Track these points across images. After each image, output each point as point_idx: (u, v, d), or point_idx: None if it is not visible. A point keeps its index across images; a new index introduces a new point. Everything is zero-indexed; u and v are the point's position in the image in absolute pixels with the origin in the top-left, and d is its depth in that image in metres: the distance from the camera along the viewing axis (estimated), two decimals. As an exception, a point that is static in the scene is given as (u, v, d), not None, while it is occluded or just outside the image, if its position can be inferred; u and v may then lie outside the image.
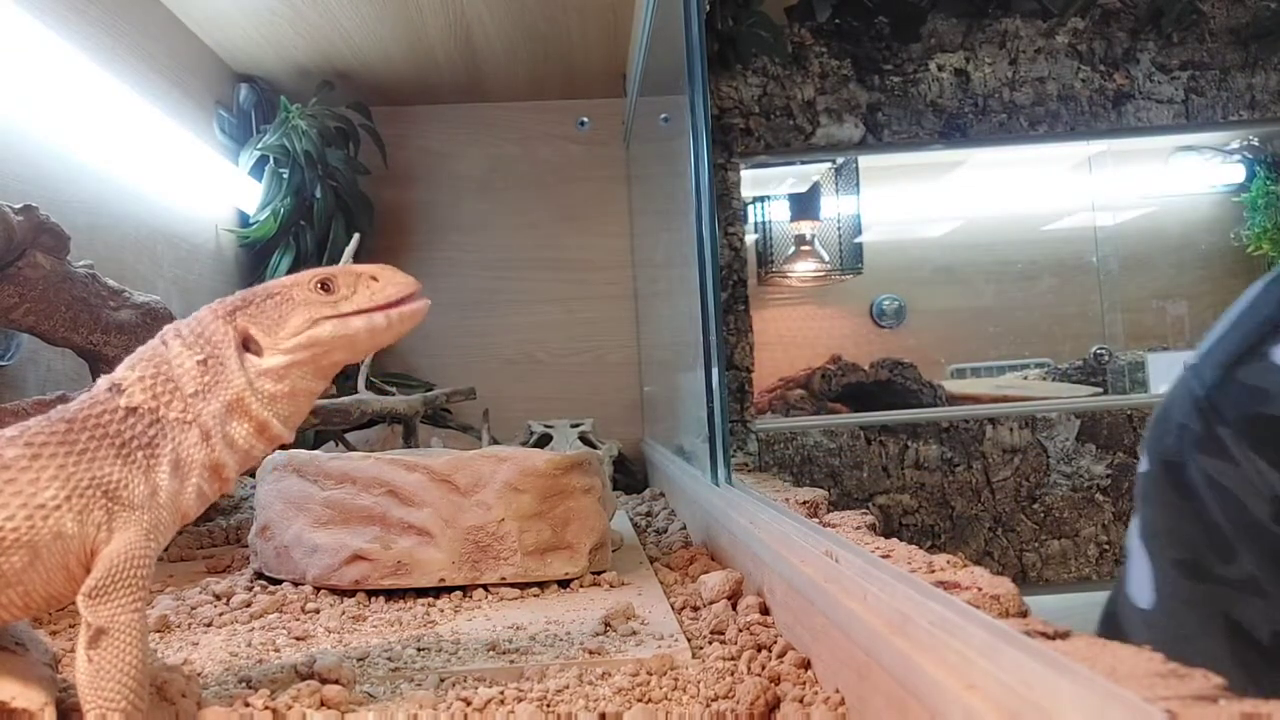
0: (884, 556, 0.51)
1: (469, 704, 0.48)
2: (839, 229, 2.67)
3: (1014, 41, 1.88)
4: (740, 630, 0.61)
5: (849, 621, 0.44)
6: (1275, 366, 0.56)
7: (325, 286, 0.50)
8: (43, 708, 0.43)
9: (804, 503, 0.81)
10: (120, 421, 0.45)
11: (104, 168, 1.26)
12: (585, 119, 1.98)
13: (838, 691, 0.46)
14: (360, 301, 0.50)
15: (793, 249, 2.70)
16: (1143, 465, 0.61)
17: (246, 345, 0.49)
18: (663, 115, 1.37)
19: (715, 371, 0.98)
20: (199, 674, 0.54)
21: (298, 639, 0.64)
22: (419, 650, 0.59)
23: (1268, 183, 2.23)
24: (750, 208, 2.64)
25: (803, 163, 2.37)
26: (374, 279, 0.51)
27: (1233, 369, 0.58)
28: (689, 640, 0.60)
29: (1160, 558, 0.59)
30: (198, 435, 0.47)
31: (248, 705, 0.48)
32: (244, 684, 0.52)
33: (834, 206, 2.67)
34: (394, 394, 1.42)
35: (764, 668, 0.53)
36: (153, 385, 0.47)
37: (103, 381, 0.47)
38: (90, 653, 0.41)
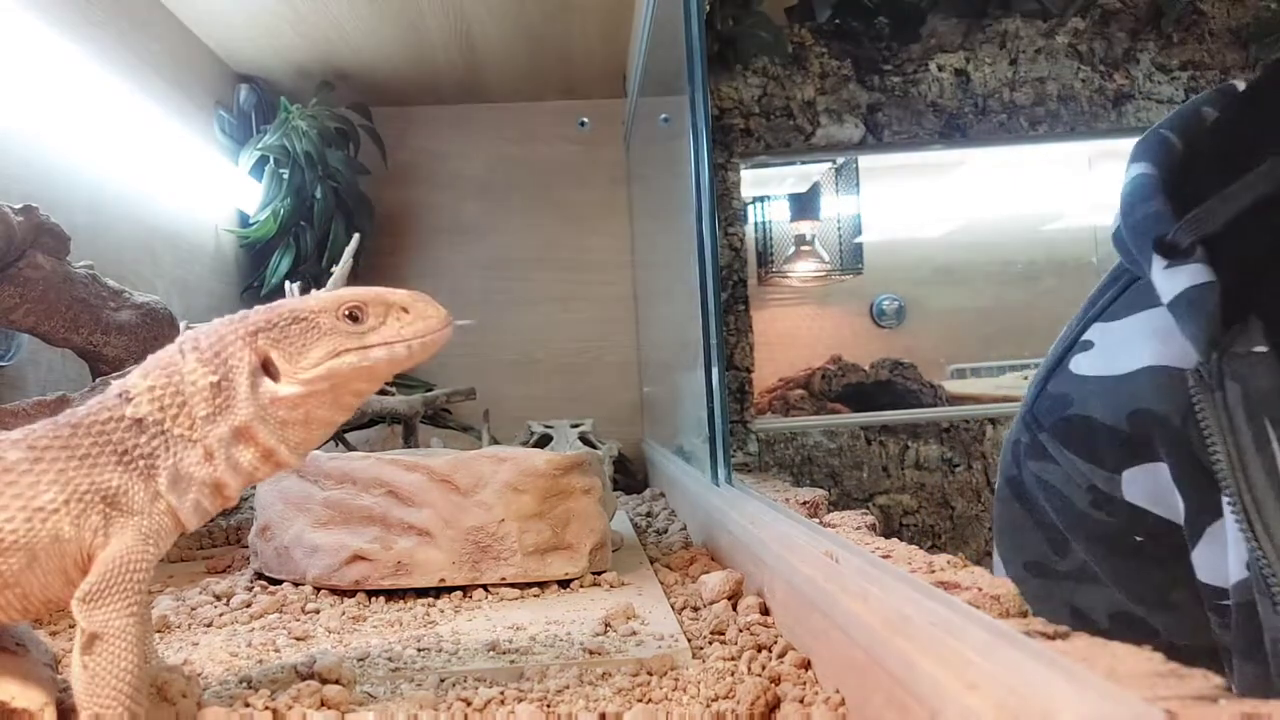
0: (884, 557, 0.51)
1: (469, 704, 0.48)
2: (839, 229, 2.67)
3: (1014, 42, 1.88)
4: (740, 630, 0.61)
5: (849, 622, 0.44)
6: (1072, 375, 0.65)
7: (354, 316, 0.48)
8: (43, 708, 0.43)
9: (804, 503, 0.81)
10: (124, 430, 0.45)
11: (104, 168, 1.26)
12: (585, 119, 1.98)
13: (838, 692, 0.46)
14: (387, 334, 0.49)
15: (793, 249, 2.69)
16: (998, 488, 0.71)
17: (266, 367, 0.48)
18: (663, 115, 1.37)
19: (715, 371, 0.98)
20: (199, 674, 0.54)
21: (298, 639, 0.64)
22: (419, 650, 0.59)
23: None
24: (750, 208, 2.64)
25: (803, 163, 2.36)
26: (405, 310, 0.49)
27: (1044, 383, 0.67)
28: (689, 640, 0.60)
29: (1014, 564, 0.68)
30: (201, 454, 0.46)
31: (248, 705, 0.48)
32: (244, 684, 0.52)
33: (834, 206, 2.67)
34: (394, 394, 1.42)
35: (764, 668, 0.53)
36: (161, 397, 0.46)
37: (114, 386, 0.47)
38: (85, 658, 0.41)
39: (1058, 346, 0.68)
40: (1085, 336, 0.66)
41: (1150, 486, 0.60)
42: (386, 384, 1.56)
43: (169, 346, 0.48)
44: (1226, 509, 0.53)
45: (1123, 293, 0.65)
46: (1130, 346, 0.61)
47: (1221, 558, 0.54)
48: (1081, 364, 0.65)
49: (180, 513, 0.46)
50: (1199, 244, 0.55)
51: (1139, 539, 0.60)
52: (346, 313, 0.48)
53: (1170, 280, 0.56)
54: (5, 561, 0.41)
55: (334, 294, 0.49)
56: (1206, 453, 0.54)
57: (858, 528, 0.67)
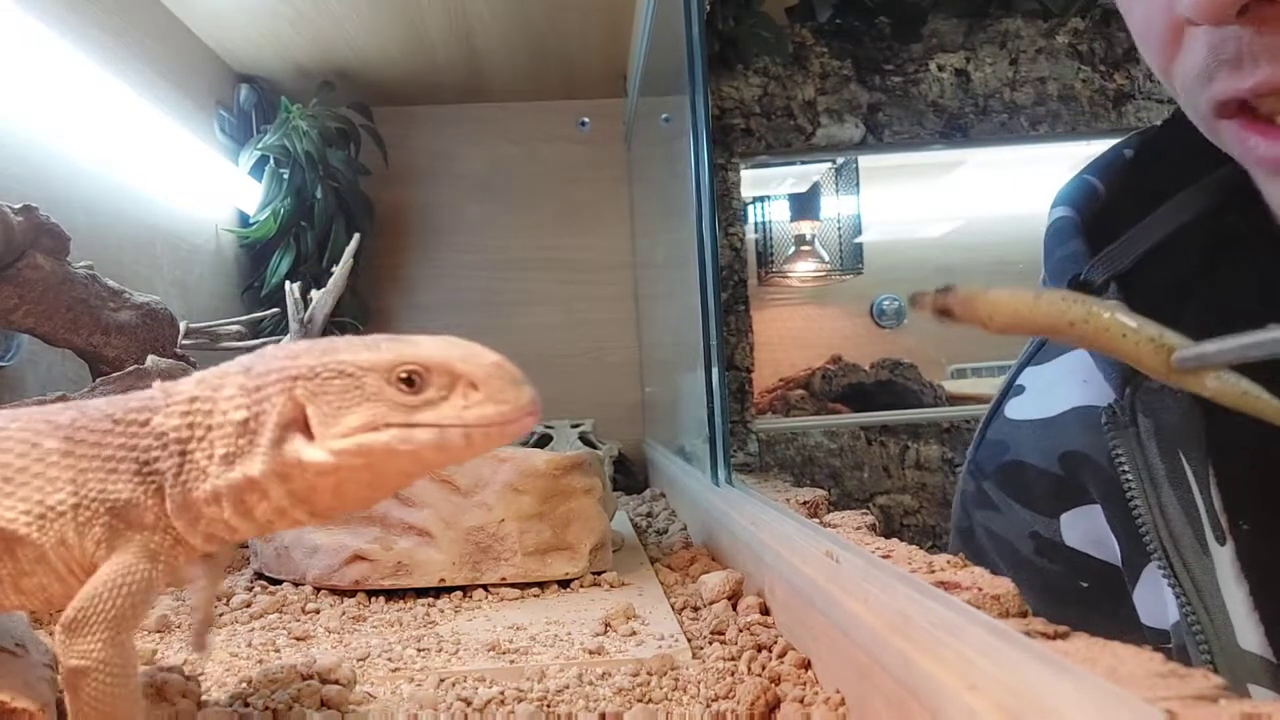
0: (884, 557, 0.51)
1: (469, 704, 0.48)
2: (839, 229, 2.67)
3: (1014, 42, 1.88)
4: (740, 630, 0.61)
5: (849, 622, 0.44)
6: (1007, 421, 0.65)
7: (410, 381, 0.39)
8: (43, 708, 0.43)
9: (804, 503, 0.81)
10: (150, 438, 0.41)
11: (104, 168, 1.26)
12: (585, 119, 1.98)
13: (838, 692, 0.46)
14: (444, 413, 0.39)
15: (793, 249, 2.70)
16: (950, 541, 0.70)
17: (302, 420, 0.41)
18: (663, 115, 1.37)
19: (715, 372, 0.98)
20: (199, 674, 0.54)
21: (298, 639, 0.64)
22: (419, 650, 0.59)
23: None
24: (750, 208, 2.64)
25: (803, 163, 2.36)
26: (474, 387, 0.39)
27: (985, 430, 0.67)
28: (689, 640, 0.60)
29: None
30: (210, 491, 0.40)
31: (247, 705, 0.48)
32: (244, 684, 0.52)
33: (834, 206, 2.67)
34: (394, 394, 1.42)
35: (764, 668, 0.53)
36: (192, 415, 0.41)
37: (169, 387, 0.42)
38: (70, 699, 0.38)
39: (998, 392, 0.68)
40: (1018, 381, 0.66)
41: (1088, 529, 0.59)
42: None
43: (240, 359, 0.42)
44: (1148, 548, 0.52)
45: None
46: (1058, 389, 0.62)
47: (1159, 599, 0.53)
48: (1015, 409, 0.65)
49: (190, 539, 0.41)
50: (1112, 281, 0.56)
51: (1083, 584, 0.60)
52: (402, 376, 0.39)
53: None
54: (20, 551, 0.39)
55: (394, 349, 0.40)
56: (1124, 491, 0.53)
57: (858, 528, 0.66)
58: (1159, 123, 0.63)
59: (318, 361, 0.40)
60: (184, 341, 0.99)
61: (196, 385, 0.41)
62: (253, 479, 0.39)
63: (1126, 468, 0.52)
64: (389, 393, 0.39)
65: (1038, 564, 0.62)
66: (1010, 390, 0.66)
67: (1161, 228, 0.57)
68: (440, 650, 0.59)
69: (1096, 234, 0.59)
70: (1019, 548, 0.63)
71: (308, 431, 0.39)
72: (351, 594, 0.76)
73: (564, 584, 0.79)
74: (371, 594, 0.76)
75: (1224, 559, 0.49)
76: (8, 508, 0.39)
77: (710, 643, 0.60)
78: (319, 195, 1.72)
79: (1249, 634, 0.48)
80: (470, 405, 0.39)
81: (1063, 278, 0.58)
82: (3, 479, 0.39)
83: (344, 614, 0.70)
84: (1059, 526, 0.61)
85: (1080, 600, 0.60)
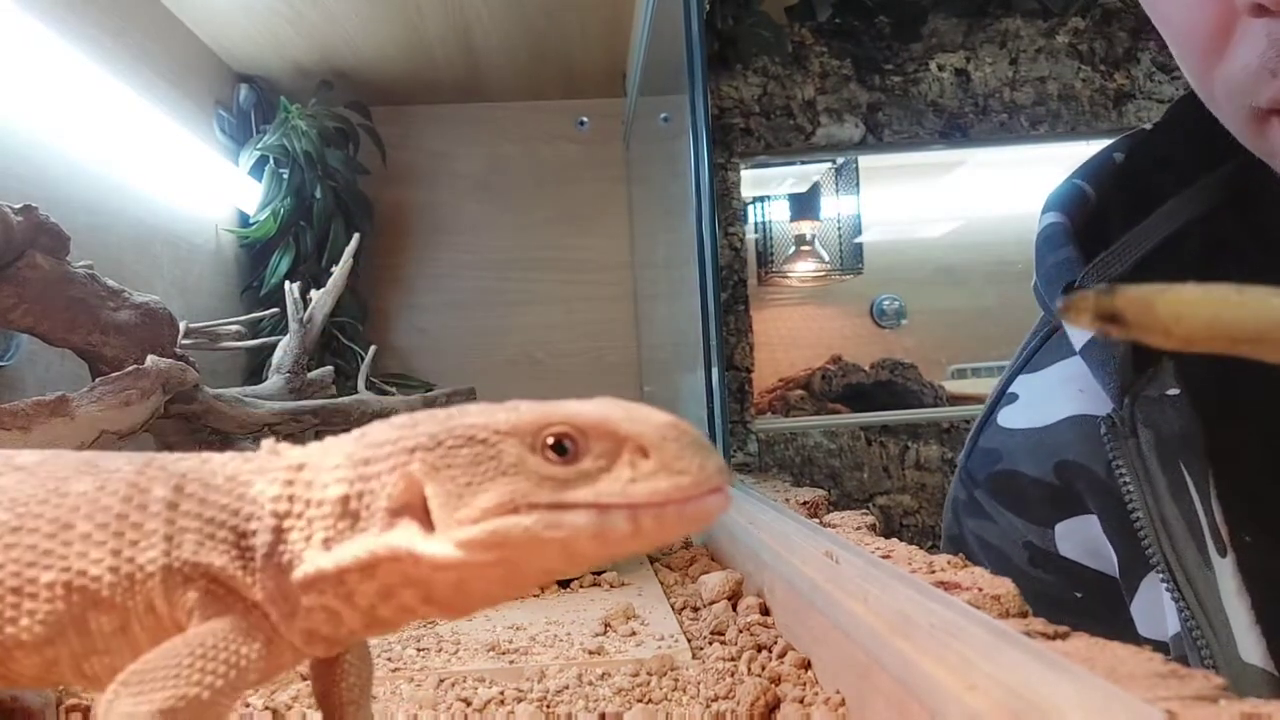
0: (884, 557, 0.51)
1: (469, 704, 0.48)
2: (839, 229, 2.67)
3: (1014, 41, 1.88)
4: (740, 631, 0.61)
5: (849, 622, 0.44)
6: (1000, 429, 0.64)
7: (561, 447, 0.31)
8: (43, 708, 0.43)
9: (804, 503, 0.81)
10: (247, 503, 0.33)
11: (104, 168, 1.26)
12: (585, 119, 1.98)
13: (838, 692, 0.46)
14: (606, 489, 0.30)
15: (793, 249, 2.70)
16: (942, 548, 0.69)
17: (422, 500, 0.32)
18: (663, 115, 1.37)
19: (715, 372, 0.98)
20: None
21: (297, 639, 0.63)
22: (419, 650, 0.59)
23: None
24: (750, 208, 2.64)
25: (803, 163, 2.36)
26: (643, 453, 0.30)
27: (976, 438, 0.66)
28: (689, 641, 0.60)
29: None
30: (304, 578, 0.32)
31: (247, 705, 0.48)
32: (243, 684, 0.52)
33: (834, 206, 2.67)
34: (394, 394, 1.42)
35: (764, 668, 0.52)
36: (293, 488, 0.33)
37: (282, 447, 0.35)
38: None
39: (989, 400, 0.67)
40: (1011, 389, 0.65)
41: (1083, 539, 0.59)
42: (384, 383, 1.56)
43: (384, 426, 0.34)
44: (1150, 560, 0.51)
45: (1044, 343, 0.64)
46: (1052, 397, 0.61)
47: (1158, 610, 0.53)
48: (1008, 417, 0.64)
49: (289, 635, 0.33)
50: None
51: (1078, 594, 0.59)
52: (550, 441, 0.31)
53: None
54: (96, 619, 0.32)
55: (538, 410, 0.32)
56: (1124, 503, 0.52)
57: (858, 528, 0.66)
58: (1148, 125, 0.62)
59: (441, 427, 0.32)
60: (183, 341, 0.99)
61: (314, 451, 0.34)
62: (344, 569, 0.31)
63: (1127, 478, 0.52)
64: (532, 463, 0.30)
65: (1031, 574, 0.61)
66: (1003, 398, 0.66)
67: (1156, 233, 0.56)
68: (440, 650, 0.59)
69: (1088, 240, 0.58)
70: (1012, 557, 0.62)
71: (427, 516, 0.31)
72: (351, 594, 0.76)
73: (563, 584, 0.79)
74: (371, 594, 0.76)
75: (1226, 571, 0.49)
76: (94, 560, 0.32)
77: (710, 643, 0.60)
78: (318, 195, 1.72)
79: (1251, 647, 0.48)
80: (639, 477, 0.30)
81: (1056, 285, 0.58)
82: (98, 525, 0.32)
83: (343, 614, 0.70)
84: (1053, 536, 0.60)
85: (1075, 610, 0.59)
